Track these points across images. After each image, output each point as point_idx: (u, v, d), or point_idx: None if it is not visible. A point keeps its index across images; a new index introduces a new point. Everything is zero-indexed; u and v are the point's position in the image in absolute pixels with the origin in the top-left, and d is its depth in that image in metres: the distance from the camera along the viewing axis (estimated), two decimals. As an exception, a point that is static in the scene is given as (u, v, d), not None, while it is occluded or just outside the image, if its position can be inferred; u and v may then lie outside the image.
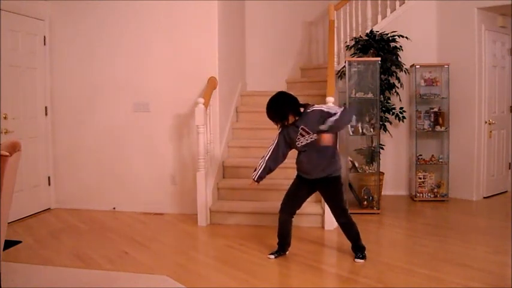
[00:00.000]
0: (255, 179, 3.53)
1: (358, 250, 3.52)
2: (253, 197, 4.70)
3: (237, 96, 5.74)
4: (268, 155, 3.51)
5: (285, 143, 3.48)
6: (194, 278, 3.24)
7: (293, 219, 3.63)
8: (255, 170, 3.54)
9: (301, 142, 3.38)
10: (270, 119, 3.44)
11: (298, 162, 3.50)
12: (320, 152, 3.37)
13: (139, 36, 5.00)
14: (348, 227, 3.54)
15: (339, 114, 3.25)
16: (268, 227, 4.36)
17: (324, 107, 3.39)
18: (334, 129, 3.30)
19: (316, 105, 3.42)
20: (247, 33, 6.36)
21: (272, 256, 3.58)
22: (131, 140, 5.08)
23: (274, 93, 3.47)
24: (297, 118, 3.38)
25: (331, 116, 3.25)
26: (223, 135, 5.15)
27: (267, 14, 6.54)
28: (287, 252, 3.65)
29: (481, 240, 3.96)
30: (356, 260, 3.46)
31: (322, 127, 3.26)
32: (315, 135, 3.32)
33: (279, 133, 3.51)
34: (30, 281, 3.16)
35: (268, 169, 3.52)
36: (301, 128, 3.35)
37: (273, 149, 3.50)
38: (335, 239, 4.08)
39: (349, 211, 4.84)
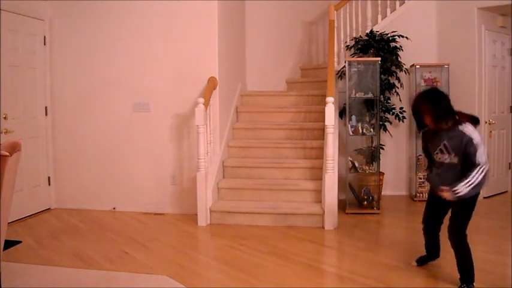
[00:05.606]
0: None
1: (461, 280, 3.01)
2: (253, 197, 4.71)
3: (237, 96, 5.74)
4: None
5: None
6: (194, 278, 3.24)
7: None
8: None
9: (440, 159, 2.95)
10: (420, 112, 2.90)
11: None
12: None
13: (139, 36, 4.99)
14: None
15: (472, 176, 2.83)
16: (268, 227, 4.36)
17: (474, 138, 2.76)
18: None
19: (469, 126, 2.81)
20: (247, 33, 6.36)
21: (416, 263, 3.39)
22: (131, 140, 5.08)
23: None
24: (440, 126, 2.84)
25: (471, 154, 2.77)
26: (223, 135, 5.15)
27: (267, 14, 6.54)
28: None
29: (481, 240, 3.95)
30: None
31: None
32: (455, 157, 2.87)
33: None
34: (30, 281, 3.16)
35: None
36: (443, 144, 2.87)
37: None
38: (335, 239, 4.08)
39: (349, 211, 4.91)
